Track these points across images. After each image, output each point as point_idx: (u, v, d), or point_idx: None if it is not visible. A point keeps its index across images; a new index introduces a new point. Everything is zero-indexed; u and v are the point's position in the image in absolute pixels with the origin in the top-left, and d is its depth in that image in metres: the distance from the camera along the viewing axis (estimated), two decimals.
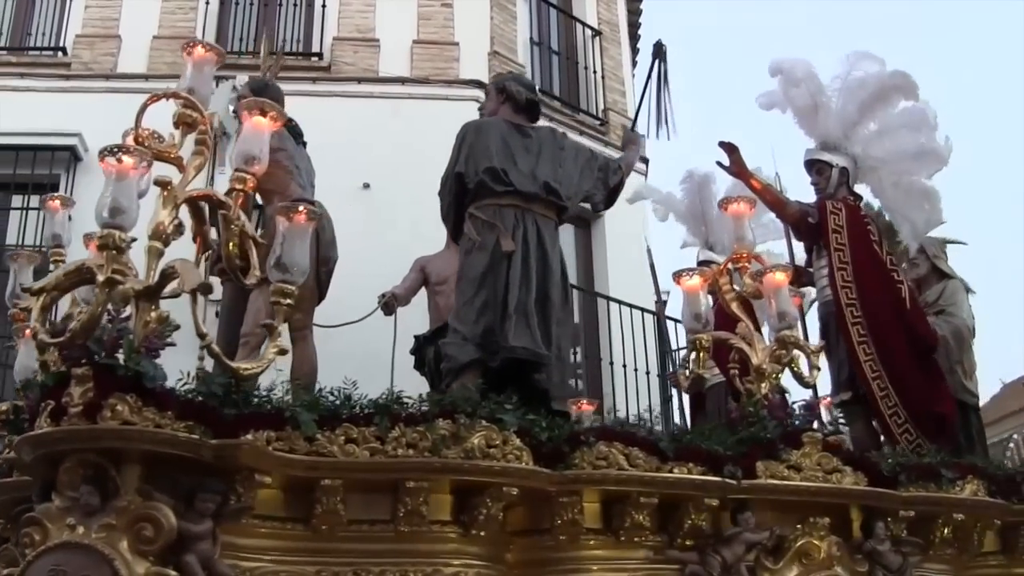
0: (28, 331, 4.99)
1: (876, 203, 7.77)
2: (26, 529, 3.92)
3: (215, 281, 6.11)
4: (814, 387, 6.00)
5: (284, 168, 6.12)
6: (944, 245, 7.48)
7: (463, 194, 5.90)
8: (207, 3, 10.35)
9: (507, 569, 4.81)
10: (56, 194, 6.19)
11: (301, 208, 4.48)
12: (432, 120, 8.84)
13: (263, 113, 4.42)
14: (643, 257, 9.86)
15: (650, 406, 7.42)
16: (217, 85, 8.63)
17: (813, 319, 7.46)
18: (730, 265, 5.75)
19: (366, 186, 9.28)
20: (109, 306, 4.12)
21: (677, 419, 9.10)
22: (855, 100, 7.02)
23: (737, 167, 6.85)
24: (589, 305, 10.25)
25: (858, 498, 5.26)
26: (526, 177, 5.80)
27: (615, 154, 7.33)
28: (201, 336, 4.13)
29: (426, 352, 6.92)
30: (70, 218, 5.97)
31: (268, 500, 4.31)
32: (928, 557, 5.57)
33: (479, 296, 5.63)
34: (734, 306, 5.65)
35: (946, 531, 5.59)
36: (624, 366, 9.38)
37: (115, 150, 4.14)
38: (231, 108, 8.19)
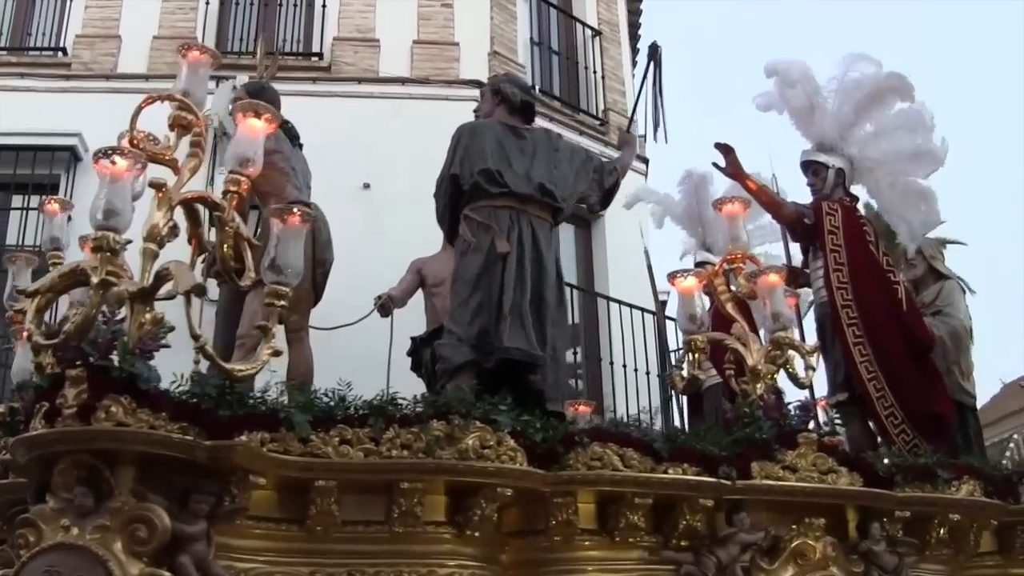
0: (24, 333, 5.01)
1: (876, 204, 7.77)
2: (21, 530, 3.92)
3: (212, 283, 6.15)
4: (811, 388, 6.00)
5: (280, 170, 6.14)
6: (941, 246, 7.48)
7: (458, 196, 5.91)
8: (207, 3, 10.35)
9: (502, 570, 4.81)
10: (54, 197, 6.21)
11: (295, 210, 4.49)
12: (432, 120, 8.82)
13: (257, 115, 4.43)
14: (642, 258, 9.85)
15: (650, 406, 7.45)
16: (217, 85, 8.67)
17: (812, 320, 7.46)
18: (725, 266, 5.75)
19: (366, 186, 9.29)
20: (104, 308, 4.13)
21: (678, 420, 9.10)
22: (851, 101, 7.01)
23: (733, 168, 6.84)
24: (589, 305, 10.25)
25: (853, 498, 5.27)
26: (521, 178, 5.81)
27: (616, 155, 7.33)
28: (195, 338, 4.15)
29: (423, 354, 6.91)
30: (70, 219, 6.00)
31: (262, 501, 4.31)
32: (924, 557, 5.56)
33: (474, 297, 5.64)
34: (729, 307, 5.66)
35: (942, 531, 5.58)
36: (624, 366, 9.39)
37: (109, 152, 4.16)
38: (231, 109, 8.20)
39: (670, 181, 9.10)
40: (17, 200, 9.26)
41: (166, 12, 10.30)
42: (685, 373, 5.66)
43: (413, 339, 7.20)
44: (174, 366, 4.30)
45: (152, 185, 4.28)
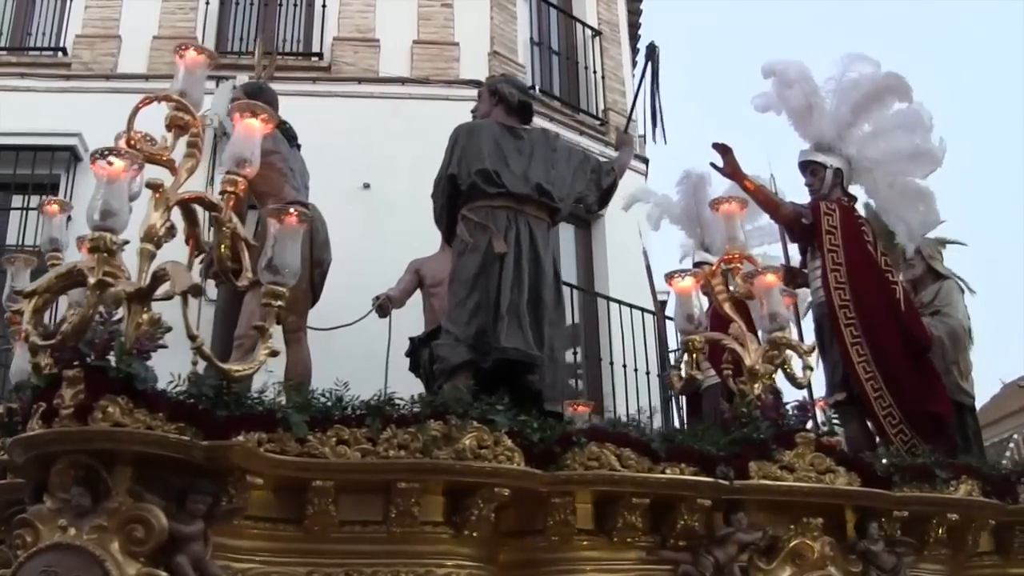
0: (21, 333, 5.01)
1: (874, 204, 7.77)
2: (18, 531, 3.92)
3: (212, 283, 6.16)
4: (810, 388, 6.00)
5: (278, 171, 6.15)
6: (940, 245, 7.48)
7: (456, 196, 5.92)
8: (207, 3, 10.36)
9: (499, 570, 4.80)
10: (53, 198, 6.20)
11: (292, 210, 4.49)
12: (432, 120, 8.80)
13: (254, 115, 4.44)
14: (642, 258, 9.85)
15: (650, 406, 7.45)
16: (218, 85, 8.69)
17: (811, 320, 7.46)
18: (722, 266, 5.75)
19: (366, 186, 9.30)
20: (101, 308, 4.13)
21: (678, 420, 9.10)
22: (849, 101, 7.02)
23: (731, 168, 6.85)
24: (589, 305, 10.24)
25: (851, 498, 5.26)
26: (518, 179, 5.82)
27: (616, 155, 7.33)
28: (192, 338, 4.15)
29: (421, 354, 6.91)
30: (70, 219, 6.00)
31: (260, 501, 4.30)
32: (923, 557, 5.57)
33: (471, 298, 5.65)
34: (727, 307, 5.66)
35: (940, 531, 5.59)
36: (624, 366, 9.38)
37: (105, 153, 4.17)
38: (229, 109, 8.21)
39: (671, 181, 9.10)
40: (17, 200, 9.27)
41: (166, 12, 10.32)
42: (683, 373, 5.66)
43: (412, 339, 7.20)
44: (172, 366, 4.30)
45: (149, 186, 4.28)
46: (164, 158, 4.42)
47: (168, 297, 4.19)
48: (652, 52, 6.92)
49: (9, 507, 4.42)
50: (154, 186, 4.26)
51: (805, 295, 7.21)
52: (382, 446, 4.49)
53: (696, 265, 7.97)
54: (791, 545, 5.01)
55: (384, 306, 7.28)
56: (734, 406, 5.38)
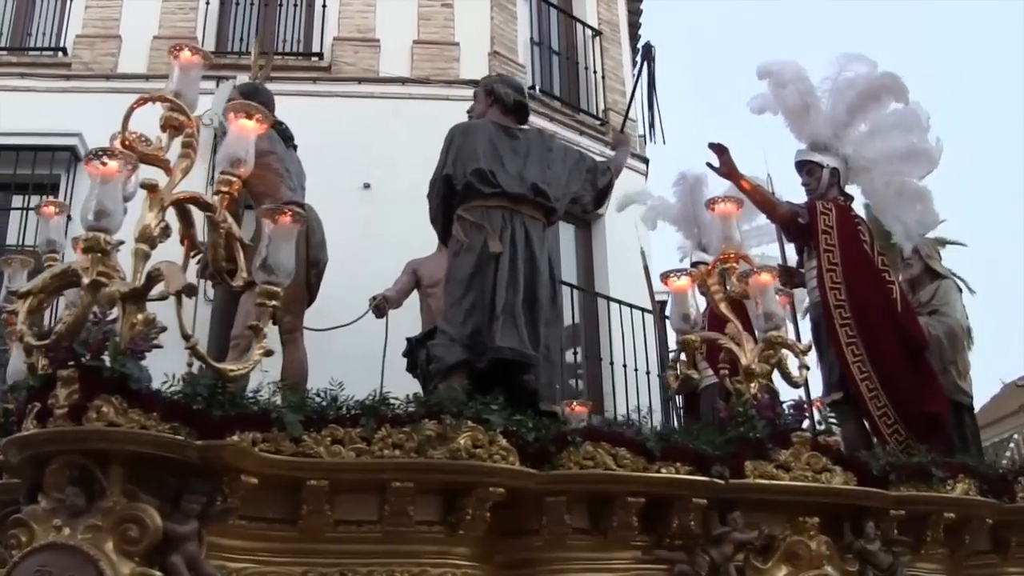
0: (16, 334, 5.02)
1: (871, 204, 7.77)
2: (13, 530, 3.92)
3: (208, 283, 6.16)
4: (806, 387, 5.99)
5: (274, 171, 6.16)
6: (939, 245, 7.48)
7: (451, 196, 5.91)
8: (207, 3, 10.37)
9: (494, 569, 4.79)
10: (51, 199, 6.21)
11: (286, 210, 4.50)
12: (432, 120, 8.76)
13: (249, 116, 4.45)
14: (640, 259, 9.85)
15: (649, 406, 7.44)
16: (218, 85, 8.71)
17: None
18: (718, 265, 5.75)
19: (366, 186, 9.31)
20: (95, 308, 4.14)
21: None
22: (845, 101, 7.02)
23: (727, 168, 6.84)
24: (589, 305, 10.26)
25: (847, 497, 5.25)
26: (514, 179, 5.81)
27: None
28: (186, 338, 4.15)
29: (418, 354, 6.90)
30: (69, 218, 6.01)
31: (254, 501, 4.29)
32: (920, 556, 5.56)
33: (467, 297, 5.64)
34: (723, 306, 5.65)
35: (937, 530, 5.58)
36: (624, 366, 9.39)
37: (99, 153, 4.18)
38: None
39: (671, 181, 9.11)
40: (17, 200, 9.30)
41: (166, 12, 10.33)
42: (679, 372, 5.66)
43: (409, 340, 7.20)
44: (167, 366, 4.30)
45: (144, 186, 4.29)
46: (159, 158, 4.42)
47: (163, 297, 4.20)
48: (648, 52, 6.93)
49: (4, 507, 4.42)
50: (149, 186, 4.27)
51: (801, 295, 7.21)
52: (377, 446, 4.49)
53: (693, 265, 7.95)
54: (787, 544, 5.00)
55: (381, 306, 7.28)
56: (730, 405, 5.38)
